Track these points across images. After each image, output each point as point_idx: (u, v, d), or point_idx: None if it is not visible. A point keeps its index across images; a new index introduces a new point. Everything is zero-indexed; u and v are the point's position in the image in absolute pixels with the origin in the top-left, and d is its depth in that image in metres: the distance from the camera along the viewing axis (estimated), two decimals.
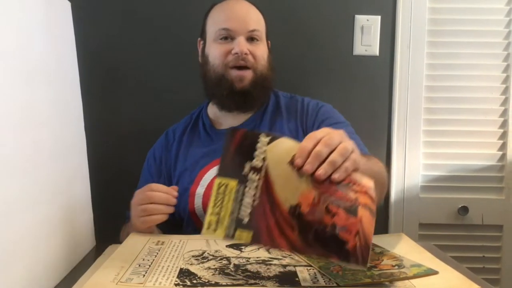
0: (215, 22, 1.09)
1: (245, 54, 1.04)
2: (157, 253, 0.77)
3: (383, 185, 0.97)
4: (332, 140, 0.66)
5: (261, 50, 1.09)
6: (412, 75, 1.45)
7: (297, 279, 0.66)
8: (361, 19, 1.44)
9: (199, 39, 1.17)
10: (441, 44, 1.46)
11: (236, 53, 1.04)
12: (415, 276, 0.66)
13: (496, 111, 1.47)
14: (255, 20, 1.09)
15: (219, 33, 1.07)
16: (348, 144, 0.67)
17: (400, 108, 1.46)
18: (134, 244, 0.83)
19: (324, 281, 0.65)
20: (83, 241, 0.92)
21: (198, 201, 1.05)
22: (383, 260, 0.73)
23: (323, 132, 0.68)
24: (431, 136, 1.48)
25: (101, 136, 1.35)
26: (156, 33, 1.43)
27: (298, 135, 1.07)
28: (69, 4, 0.92)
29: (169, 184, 1.11)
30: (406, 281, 0.65)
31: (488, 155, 1.48)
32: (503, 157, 1.47)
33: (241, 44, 1.04)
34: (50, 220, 0.75)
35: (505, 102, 1.46)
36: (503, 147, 1.47)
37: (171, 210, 0.92)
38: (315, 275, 0.68)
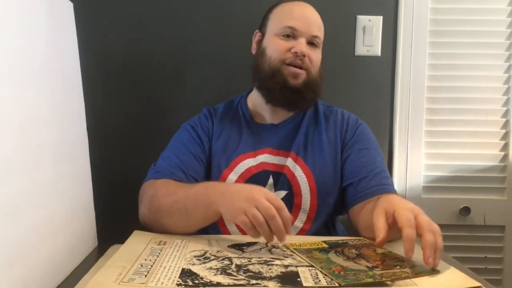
0: (281, 18, 1.11)
1: (304, 55, 1.06)
2: (159, 253, 0.77)
3: None
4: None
5: (318, 56, 1.11)
6: (414, 75, 1.45)
7: (299, 279, 0.66)
8: (363, 20, 1.44)
9: (256, 30, 1.18)
10: (443, 44, 1.46)
11: (296, 52, 1.06)
12: (417, 276, 0.66)
13: (498, 112, 1.47)
14: (319, 27, 1.12)
15: (284, 30, 1.08)
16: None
17: (402, 108, 1.46)
18: (136, 244, 0.83)
19: (326, 281, 0.65)
20: (85, 241, 0.92)
21: None
22: (385, 260, 0.74)
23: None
24: (433, 137, 1.48)
25: (104, 136, 1.35)
26: (158, 33, 1.43)
27: (337, 145, 1.11)
28: (71, 5, 0.93)
29: (203, 155, 1.11)
30: (408, 280, 0.65)
31: (490, 155, 1.47)
32: (505, 157, 1.47)
33: (302, 45, 1.06)
34: (52, 220, 0.75)
35: (507, 102, 1.46)
36: (505, 147, 1.47)
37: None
38: (317, 275, 0.68)
